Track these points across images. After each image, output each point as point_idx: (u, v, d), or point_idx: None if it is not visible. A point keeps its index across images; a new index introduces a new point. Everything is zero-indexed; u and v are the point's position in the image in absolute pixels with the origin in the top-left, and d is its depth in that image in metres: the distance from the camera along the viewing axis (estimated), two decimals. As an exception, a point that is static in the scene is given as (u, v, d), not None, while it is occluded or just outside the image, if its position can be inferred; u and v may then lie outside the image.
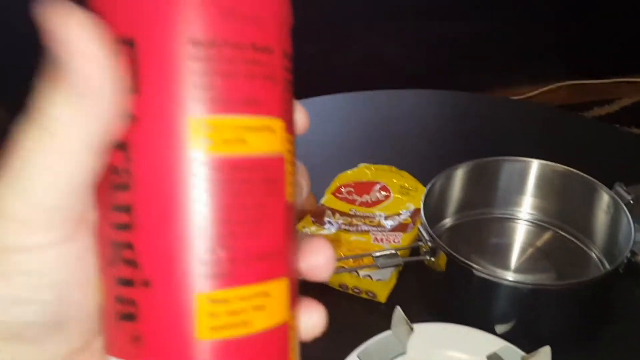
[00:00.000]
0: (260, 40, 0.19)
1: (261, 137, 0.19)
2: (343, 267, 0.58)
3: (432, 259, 0.56)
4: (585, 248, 0.59)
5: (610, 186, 0.59)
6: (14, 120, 0.18)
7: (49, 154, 0.17)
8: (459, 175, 0.64)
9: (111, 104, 0.17)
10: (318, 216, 0.66)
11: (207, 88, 0.18)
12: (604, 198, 0.57)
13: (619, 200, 0.54)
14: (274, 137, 0.20)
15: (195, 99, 0.18)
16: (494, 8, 1.81)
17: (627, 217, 0.52)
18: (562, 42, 1.93)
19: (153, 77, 0.18)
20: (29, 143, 0.17)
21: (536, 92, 1.97)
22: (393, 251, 0.58)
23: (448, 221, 0.66)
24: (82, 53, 0.16)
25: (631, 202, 0.58)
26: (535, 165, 0.62)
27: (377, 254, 0.57)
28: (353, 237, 0.62)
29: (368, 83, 1.93)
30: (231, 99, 0.18)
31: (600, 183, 0.57)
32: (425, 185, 0.69)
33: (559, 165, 0.61)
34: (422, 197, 0.59)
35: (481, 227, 0.65)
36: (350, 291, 0.59)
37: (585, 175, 0.58)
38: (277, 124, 0.20)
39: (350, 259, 0.58)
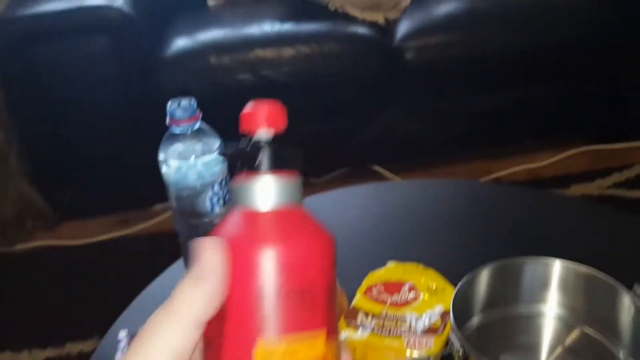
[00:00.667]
0: (307, 290, 0.28)
1: (308, 347, 0.27)
2: (379, 374, 0.61)
3: (465, 365, 0.59)
4: (612, 348, 0.61)
5: (631, 284, 0.62)
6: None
7: (169, 325, 0.26)
8: (484, 276, 0.67)
9: (216, 295, 0.27)
10: (351, 317, 0.70)
11: (272, 318, 0.27)
12: (626, 301, 0.59)
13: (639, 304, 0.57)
14: (318, 344, 0.28)
15: (263, 325, 0.27)
16: (507, 80, 1.86)
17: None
18: (576, 107, 1.97)
19: (234, 311, 0.27)
20: (158, 317, 0.27)
21: (554, 159, 2.01)
22: (427, 358, 0.61)
23: (476, 319, 0.69)
24: (206, 258, 0.27)
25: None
26: (557, 266, 0.65)
27: (412, 361, 0.60)
28: (386, 342, 0.65)
29: (388, 159, 1.99)
30: (289, 325, 0.27)
31: (621, 285, 0.60)
32: (451, 282, 0.73)
33: (580, 265, 0.64)
34: (451, 304, 0.62)
35: (509, 325, 0.68)
36: (387, 397, 0.61)
37: (606, 277, 0.61)
38: (321, 333, 0.28)
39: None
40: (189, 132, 0.68)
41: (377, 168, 2.01)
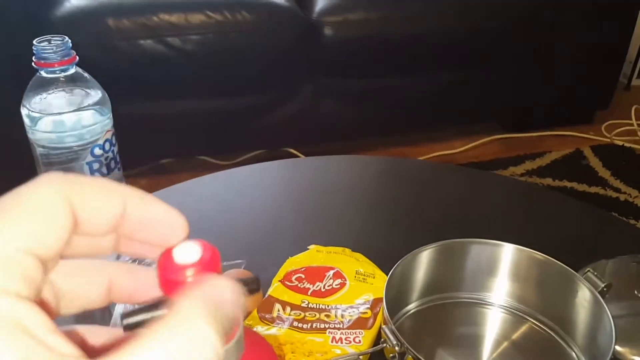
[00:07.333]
0: None
1: None
2: (299, 378, 0.50)
3: (400, 364, 0.49)
4: (563, 343, 0.54)
5: (577, 267, 0.55)
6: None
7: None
8: (423, 259, 0.58)
9: None
10: (266, 310, 0.58)
11: None
12: (584, 291, 0.52)
13: (599, 297, 0.50)
14: None
15: None
16: (426, 64, 1.82)
17: (607, 317, 0.48)
18: (491, 96, 1.97)
19: None
20: None
21: (468, 146, 1.99)
22: (356, 357, 0.51)
23: (412, 307, 0.59)
24: None
25: (604, 289, 0.54)
26: (508, 250, 0.57)
27: (339, 361, 0.50)
28: (308, 337, 0.54)
29: (301, 142, 1.88)
30: None
31: (578, 275, 0.53)
32: (381, 268, 0.63)
33: (534, 252, 0.56)
34: (384, 291, 0.53)
35: (448, 313, 0.59)
36: (308, 406, 0.50)
37: (562, 265, 0.53)
38: None
39: (308, 369, 0.50)
40: (62, 77, 0.54)
41: (291, 151, 1.91)
